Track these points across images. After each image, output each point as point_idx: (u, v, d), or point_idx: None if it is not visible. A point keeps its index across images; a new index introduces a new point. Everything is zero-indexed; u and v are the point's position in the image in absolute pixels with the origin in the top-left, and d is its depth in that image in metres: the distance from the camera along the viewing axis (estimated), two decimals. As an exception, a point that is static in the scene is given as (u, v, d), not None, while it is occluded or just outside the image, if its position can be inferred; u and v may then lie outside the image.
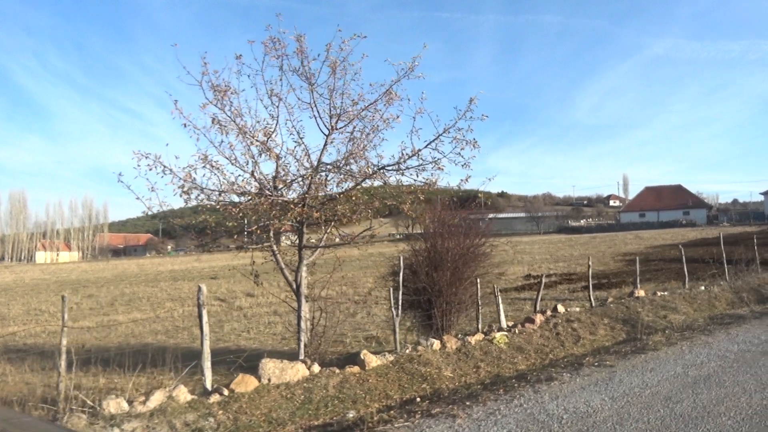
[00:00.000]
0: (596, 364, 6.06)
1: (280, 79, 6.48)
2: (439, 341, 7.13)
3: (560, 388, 5.13)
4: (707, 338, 7.11)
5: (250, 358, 6.77)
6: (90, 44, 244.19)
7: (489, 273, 8.82)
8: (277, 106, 6.47)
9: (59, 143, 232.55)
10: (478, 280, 8.41)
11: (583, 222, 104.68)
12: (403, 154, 6.29)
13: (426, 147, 6.26)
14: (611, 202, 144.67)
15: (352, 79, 6.68)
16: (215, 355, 7.22)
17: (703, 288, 11.48)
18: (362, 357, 6.33)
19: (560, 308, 9.17)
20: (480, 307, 8.45)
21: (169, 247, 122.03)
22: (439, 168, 6.40)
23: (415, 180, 6.51)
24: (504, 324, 8.40)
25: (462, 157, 6.16)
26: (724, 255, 13.19)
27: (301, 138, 6.67)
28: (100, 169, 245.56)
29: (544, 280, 10.03)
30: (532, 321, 8.35)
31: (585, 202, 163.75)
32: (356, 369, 6.26)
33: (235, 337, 12.09)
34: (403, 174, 6.46)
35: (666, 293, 10.86)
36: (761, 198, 75.93)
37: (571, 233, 72.03)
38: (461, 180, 6.31)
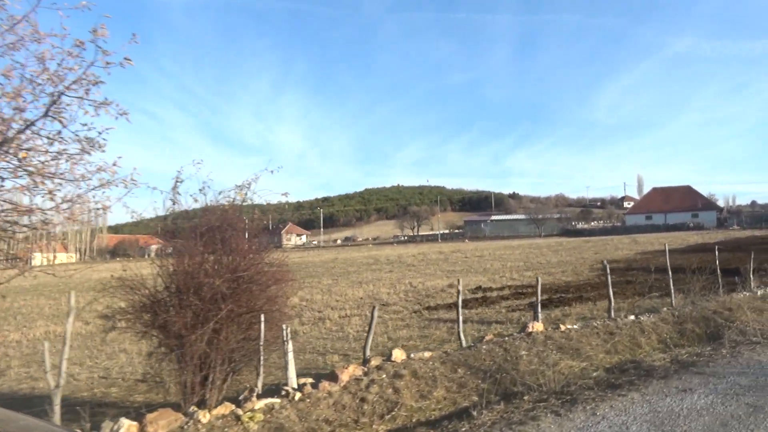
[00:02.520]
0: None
1: None
2: (137, 424, 4.60)
3: None
4: (548, 424, 4.46)
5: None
6: (108, 46, 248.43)
7: (275, 306, 6.21)
8: None
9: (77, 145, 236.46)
10: (263, 317, 5.85)
11: (594, 224, 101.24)
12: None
13: (46, 115, 3.72)
14: (625, 204, 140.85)
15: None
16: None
17: (632, 318, 8.75)
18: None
19: (397, 354, 6.55)
20: (262, 358, 5.88)
21: (169, 248, 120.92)
22: (85, 150, 3.85)
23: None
24: (293, 382, 5.81)
25: (95, 129, 3.62)
26: (669, 273, 10.42)
27: None
28: (119, 170, 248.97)
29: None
30: (336, 378, 5.76)
31: (598, 203, 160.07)
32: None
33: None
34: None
35: (577, 326, 8.16)
36: (776, 199, 71.60)
37: (574, 236, 68.89)
38: (97, 168, 3.77)
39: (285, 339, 5.90)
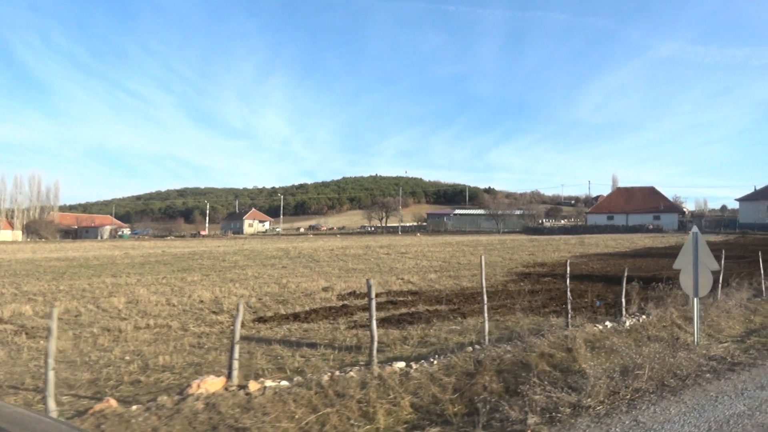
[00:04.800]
0: None
1: None
2: None
3: None
4: None
5: None
6: (94, 23, 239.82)
7: None
8: None
9: (62, 122, 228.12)
10: None
11: (564, 222, 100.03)
12: None
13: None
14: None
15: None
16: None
17: (401, 365, 5.89)
18: None
19: None
20: None
21: (125, 230, 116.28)
22: None
23: None
24: None
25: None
26: (485, 296, 7.64)
27: None
28: (102, 149, 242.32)
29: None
30: None
31: (572, 201, 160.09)
32: None
33: None
34: None
35: (286, 383, 5.26)
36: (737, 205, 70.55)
37: (533, 233, 66.93)
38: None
39: None
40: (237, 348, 5.43)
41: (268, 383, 5.11)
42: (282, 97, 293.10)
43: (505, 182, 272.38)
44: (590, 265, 24.46)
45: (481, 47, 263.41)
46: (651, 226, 63.90)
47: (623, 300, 8.76)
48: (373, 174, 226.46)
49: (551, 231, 68.95)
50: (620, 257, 28.69)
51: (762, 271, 11.55)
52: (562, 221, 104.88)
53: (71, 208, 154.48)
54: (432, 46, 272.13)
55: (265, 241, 57.08)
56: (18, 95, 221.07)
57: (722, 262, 11.54)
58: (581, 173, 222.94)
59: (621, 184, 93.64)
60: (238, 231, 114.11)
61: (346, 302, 14.51)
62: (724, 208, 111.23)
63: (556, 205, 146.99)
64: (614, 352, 7.03)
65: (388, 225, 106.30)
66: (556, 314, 11.69)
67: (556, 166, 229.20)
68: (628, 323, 8.35)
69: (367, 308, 13.29)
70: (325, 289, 16.81)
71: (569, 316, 8.04)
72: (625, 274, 9.15)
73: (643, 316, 8.74)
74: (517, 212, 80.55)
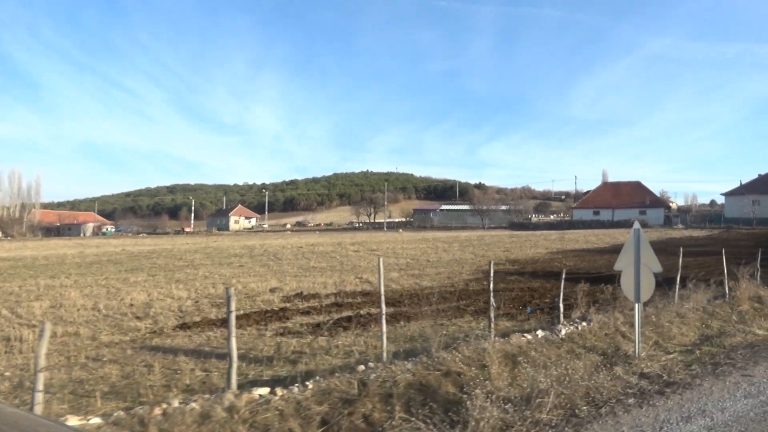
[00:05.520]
0: None
1: None
2: None
3: None
4: None
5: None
6: (84, 18, 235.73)
7: None
8: None
9: (50, 118, 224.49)
10: None
11: (553, 217, 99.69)
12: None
13: None
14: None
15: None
16: None
17: (264, 392, 4.88)
18: None
19: None
20: None
21: (108, 227, 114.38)
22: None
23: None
24: None
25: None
26: (383, 306, 6.65)
27: None
28: (92, 145, 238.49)
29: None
30: None
31: (563, 197, 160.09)
32: None
33: None
34: None
35: (95, 421, 4.24)
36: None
37: (518, 229, 66.18)
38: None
39: None
40: (41, 377, 4.39)
41: (72, 422, 4.09)
42: (274, 93, 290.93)
43: (496, 178, 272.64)
44: (564, 262, 23.57)
45: (474, 43, 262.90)
46: (636, 221, 63.21)
47: (561, 304, 7.79)
48: (363, 170, 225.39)
49: (536, 226, 68.25)
50: (597, 253, 27.89)
51: (726, 271, 10.65)
52: (551, 216, 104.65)
53: (59, 205, 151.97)
54: (425, 43, 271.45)
55: (239, 238, 55.83)
56: (6, 90, 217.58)
57: (680, 260, 10.63)
58: (572, 169, 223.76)
59: (611, 180, 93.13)
60: (224, 227, 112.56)
61: (287, 305, 13.49)
62: (713, 203, 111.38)
63: (545, 200, 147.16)
64: (544, 368, 6.08)
65: (375, 221, 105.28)
66: (509, 317, 10.79)
67: (547, 162, 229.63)
68: (564, 332, 7.40)
69: (307, 312, 12.33)
70: (272, 290, 15.78)
71: (492, 323, 7.07)
72: (563, 275, 8.19)
73: (584, 323, 7.79)
74: (503, 208, 79.75)
